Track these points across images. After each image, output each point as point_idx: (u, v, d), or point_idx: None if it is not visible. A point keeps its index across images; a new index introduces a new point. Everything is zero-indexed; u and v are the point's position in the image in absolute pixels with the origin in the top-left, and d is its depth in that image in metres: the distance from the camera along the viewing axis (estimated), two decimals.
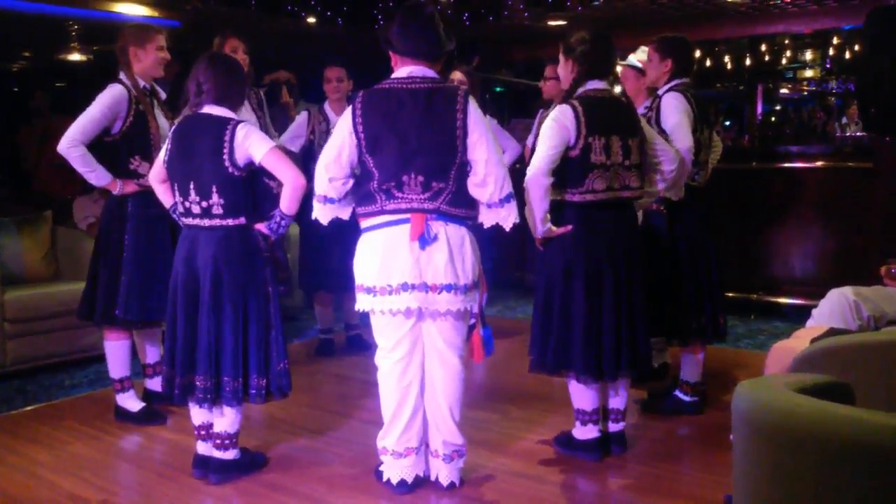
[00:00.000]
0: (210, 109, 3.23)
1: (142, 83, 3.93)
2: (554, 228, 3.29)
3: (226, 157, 3.16)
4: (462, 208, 3.03)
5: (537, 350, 3.39)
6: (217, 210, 3.18)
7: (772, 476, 1.59)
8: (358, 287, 3.08)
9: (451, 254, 2.98)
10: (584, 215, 3.30)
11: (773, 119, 12.25)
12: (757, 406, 1.62)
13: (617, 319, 3.31)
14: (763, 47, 10.14)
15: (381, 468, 3.22)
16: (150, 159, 3.85)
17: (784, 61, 10.65)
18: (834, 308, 2.74)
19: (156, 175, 3.41)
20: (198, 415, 3.33)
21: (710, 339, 3.96)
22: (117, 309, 3.86)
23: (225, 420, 3.29)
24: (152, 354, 4.28)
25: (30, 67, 9.49)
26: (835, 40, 9.79)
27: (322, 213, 3.11)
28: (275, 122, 5.05)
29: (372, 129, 2.96)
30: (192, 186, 3.18)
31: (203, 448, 3.38)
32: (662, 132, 3.66)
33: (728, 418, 1.76)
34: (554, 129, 3.23)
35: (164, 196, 3.43)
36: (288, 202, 3.22)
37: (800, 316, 5.21)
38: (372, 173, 2.99)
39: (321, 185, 3.06)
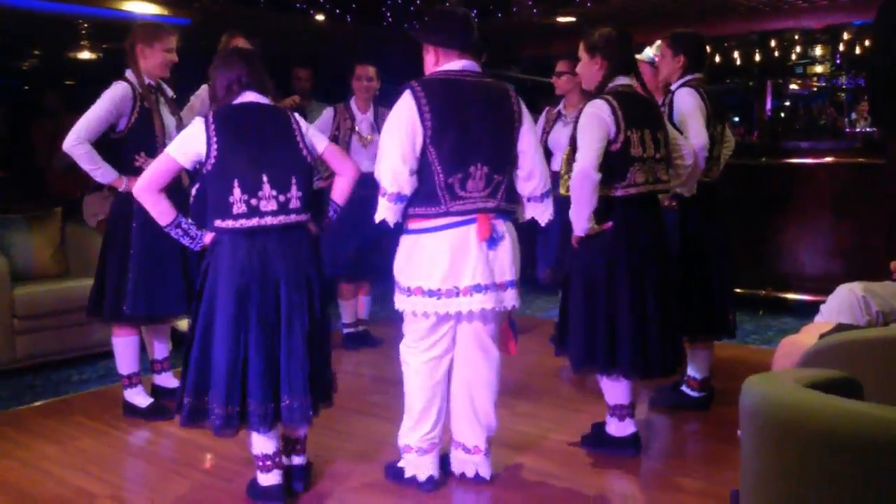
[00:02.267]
0: (256, 98, 2.98)
1: (147, 80, 3.93)
2: (596, 226, 3.25)
3: (302, 144, 2.98)
4: (513, 203, 3.06)
5: (581, 349, 3.33)
6: (295, 204, 2.92)
7: (779, 471, 1.58)
8: (414, 290, 2.95)
9: (513, 251, 3.01)
10: (626, 210, 3.29)
11: (782, 115, 12.20)
12: (765, 401, 1.61)
13: (661, 315, 3.30)
14: (773, 43, 10.07)
15: (400, 465, 3.19)
16: (154, 156, 3.86)
17: (794, 57, 10.59)
18: (842, 304, 2.72)
19: (153, 182, 2.92)
20: (266, 442, 2.99)
21: (718, 335, 3.97)
22: (125, 305, 3.87)
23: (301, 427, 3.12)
24: (160, 350, 4.31)
25: (40, 65, 9.53)
26: (845, 35, 9.72)
27: (392, 213, 2.90)
28: None
29: (438, 119, 2.86)
30: (265, 179, 2.86)
31: (270, 478, 3.02)
32: (676, 128, 3.65)
33: (735, 413, 1.75)
34: (594, 124, 3.19)
35: (161, 206, 2.94)
36: (346, 194, 3.13)
37: (808, 312, 5.17)
38: (433, 169, 2.88)
39: (397, 181, 2.86)
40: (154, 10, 6.54)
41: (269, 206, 2.86)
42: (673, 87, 3.85)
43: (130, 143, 3.89)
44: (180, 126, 4.09)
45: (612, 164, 3.21)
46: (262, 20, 7.08)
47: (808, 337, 2.45)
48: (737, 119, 12.09)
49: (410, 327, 3.07)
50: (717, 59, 9.97)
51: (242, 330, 2.84)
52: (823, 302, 2.85)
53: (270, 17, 7.13)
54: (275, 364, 2.88)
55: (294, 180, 2.91)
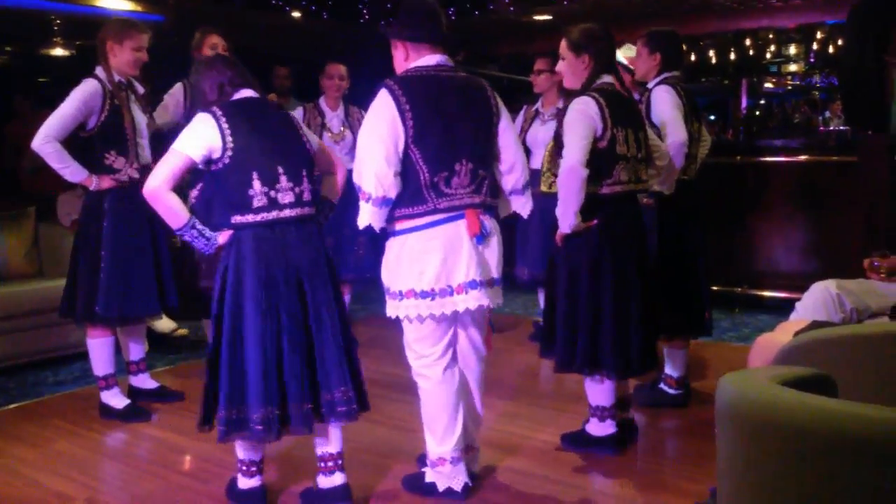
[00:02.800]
0: (251, 94, 2.92)
1: (117, 78, 3.90)
2: (582, 223, 3.23)
3: (305, 138, 2.93)
4: (495, 199, 3.02)
5: (562, 349, 3.33)
6: (307, 196, 2.86)
7: (755, 468, 1.60)
8: (406, 293, 2.85)
9: (499, 247, 2.98)
10: (611, 208, 3.28)
11: (757, 113, 12.30)
12: (740, 399, 1.62)
13: (642, 314, 3.31)
14: (747, 42, 10.16)
15: (429, 479, 3.07)
16: (125, 154, 3.85)
17: (768, 56, 10.68)
18: (817, 301, 2.76)
19: (166, 182, 2.75)
20: (254, 448, 2.93)
21: (695, 333, 4.01)
22: (97, 306, 3.84)
23: (334, 438, 2.96)
24: (136, 351, 4.27)
25: (12, 62, 9.41)
26: (818, 35, 9.82)
27: (377, 217, 2.81)
28: None
29: (420, 118, 2.78)
30: (280, 171, 2.78)
31: (252, 482, 2.97)
32: (653, 126, 3.67)
33: (712, 411, 1.76)
34: (581, 121, 3.17)
35: (174, 208, 2.79)
36: (338, 192, 3.09)
37: (783, 309, 5.23)
38: (417, 168, 2.80)
39: (382, 185, 2.75)
40: (127, 6, 6.49)
41: (286, 198, 2.79)
42: (650, 85, 3.86)
43: (100, 142, 3.85)
44: (152, 124, 4.06)
45: (599, 161, 3.20)
46: (238, 17, 7.04)
47: (783, 334, 2.48)
48: (712, 117, 12.18)
49: (413, 336, 2.95)
50: (693, 57, 10.05)
51: (274, 325, 2.74)
52: (798, 299, 2.89)
53: (246, 15, 7.09)
54: (310, 361, 2.80)
55: (304, 172, 2.86)
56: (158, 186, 2.75)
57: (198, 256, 4.43)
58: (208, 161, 2.78)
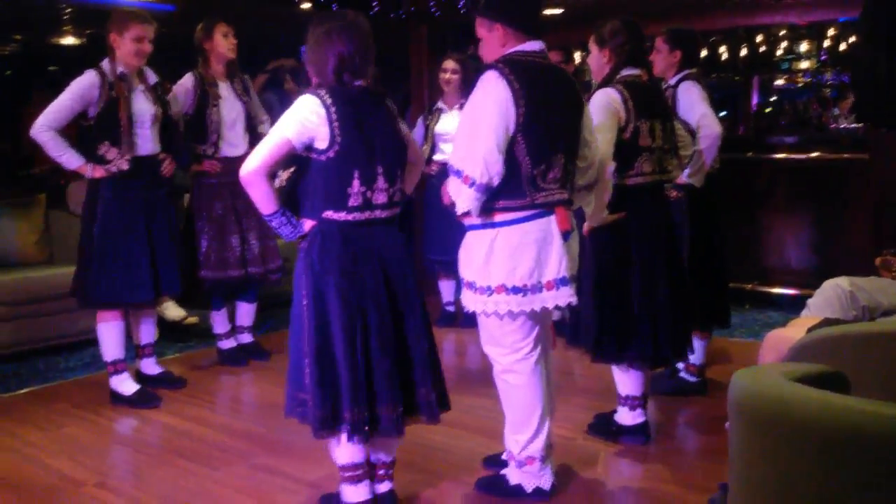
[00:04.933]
0: (362, 83, 2.71)
1: (120, 69, 3.92)
2: (609, 215, 3.22)
3: (402, 134, 2.78)
4: (572, 194, 2.92)
5: (593, 340, 3.33)
6: (398, 196, 2.74)
7: (766, 464, 1.60)
8: (496, 288, 2.74)
9: (579, 244, 2.93)
10: (635, 200, 3.29)
11: (768, 110, 12.25)
12: (752, 394, 1.63)
13: (671, 303, 3.32)
14: (759, 38, 10.12)
15: (514, 482, 2.95)
16: (118, 145, 3.88)
17: (780, 52, 10.64)
18: (829, 298, 2.75)
19: (263, 166, 2.62)
20: (355, 449, 2.72)
21: (720, 324, 4.14)
22: (94, 290, 3.91)
23: (391, 445, 2.84)
24: (144, 336, 4.30)
25: (22, 51, 9.42)
26: (830, 31, 9.78)
27: (478, 204, 2.69)
28: (278, 109, 5.02)
29: (530, 105, 2.66)
30: (379, 170, 2.65)
31: (359, 492, 2.77)
32: (679, 121, 3.74)
33: (723, 406, 1.77)
34: (605, 113, 3.17)
35: (267, 193, 2.65)
36: (414, 185, 2.99)
37: (794, 306, 5.23)
38: (519, 159, 2.69)
39: (489, 171, 2.63)
40: None
41: (380, 198, 2.67)
42: (671, 82, 3.93)
43: (96, 132, 3.90)
44: (160, 115, 4.06)
45: (621, 153, 3.21)
46: (247, 7, 7.03)
47: (794, 331, 2.48)
48: (723, 114, 12.14)
49: (505, 331, 2.83)
50: (704, 53, 10.00)
51: (362, 324, 2.62)
52: (809, 296, 2.88)
53: (256, 5, 7.07)
54: (400, 362, 2.69)
55: (399, 172, 2.74)
56: (253, 171, 2.61)
57: (206, 247, 4.45)
58: (308, 148, 2.63)
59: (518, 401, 2.89)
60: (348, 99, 2.63)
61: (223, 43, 4.44)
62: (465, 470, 3.21)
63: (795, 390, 1.57)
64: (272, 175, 2.69)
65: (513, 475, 2.97)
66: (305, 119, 2.59)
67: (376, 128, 2.67)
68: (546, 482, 2.94)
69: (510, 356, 2.86)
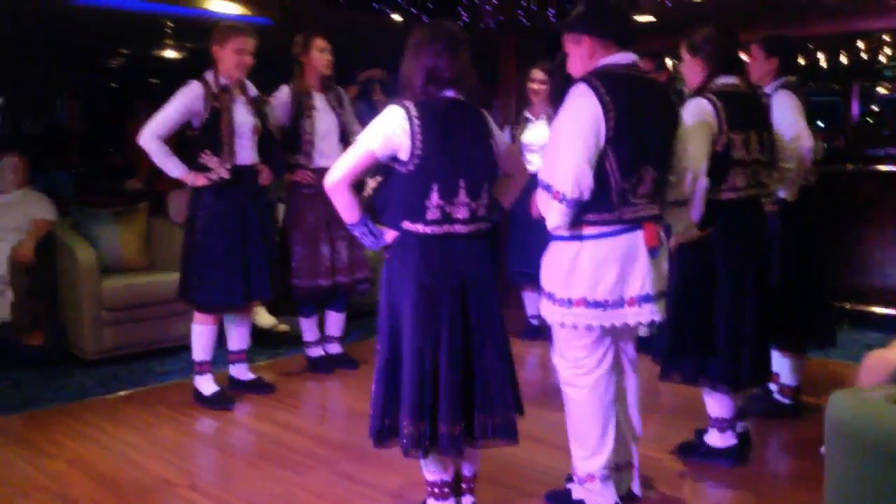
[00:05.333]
0: (452, 94, 2.68)
1: (223, 81, 4.05)
2: (698, 231, 3.15)
3: (494, 148, 2.72)
4: (663, 209, 2.86)
5: (668, 356, 3.28)
6: (482, 212, 2.68)
7: (866, 489, 1.54)
8: (576, 301, 2.70)
9: (668, 260, 2.87)
10: (727, 215, 3.21)
11: (869, 120, 11.79)
12: (853, 417, 1.57)
13: (756, 325, 3.23)
14: (860, 44, 9.75)
15: (577, 497, 2.92)
16: (219, 154, 4.01)
17: (883, 59, 10.21)
18: None
19: (348, 176, 2.66)
20: (442, 465, 2.75)
21: (820, 344, 3.96)
22: (193, 293, 4.09)
23: (473, 460, 2.82)
24: (236, 342, 4.45)
25: (127, 64, 9.85)
26: None
27: (568, 219, 2.65)
28: (368, 119, 5.10)
29: (620, 118, 2.62)
30: (461, 185, 2.61)
31: None
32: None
33: (817, 429, 1.70)
34: (697, 124, 3.10)
35: (350, 203, 2.69)
36: (515, 199, 2.96)
37: (895, 326, 5.01)
38: (608, 172, 2.65)
39: (580, 185, 2.60)
40: (237, 9, 6.69)
41: (461, 213, 2.63)
42: (767, 90, 3.79)
43: (199, 141, 4.05)
44: (260, 126, 4.18)
45: (713, 166, 3.12)
46: (341, 19, 7.17)
47: None
48: (821, 124, 11.75)
49: (570, 344, 2.80)
50: (801, 61, 9.70)
51: (433, 338, 2.59)
52: None
53: (348, 17, 7.21)
54: (467, 379, 2.63)
55: (485, 187, 2.68)
56: (338, 181, 2.65)
57: (299, 256, 4.56)
58: (392, 158, 2.63)
59: (577, 415, 2.85)
60: (435, 111, 2.61)
61: (319, 58, 4.56)
62: (544, 486, 3.17)
63: None
64: (359, 184, 2.71)
65: (576, 490, 2.95)
66: (389, 131, 2.60)
67: (462, 141, 2.63)
68: (607, 501, 2.86)
69: (570, 369, 2.83)
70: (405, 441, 2.59)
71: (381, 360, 2.66)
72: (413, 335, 2.59)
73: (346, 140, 4.68)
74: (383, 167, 2.70)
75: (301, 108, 4.54)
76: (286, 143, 4.58)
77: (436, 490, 2.76)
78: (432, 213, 2.60)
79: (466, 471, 2.82)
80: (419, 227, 2.62)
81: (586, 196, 2.62)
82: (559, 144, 2.67)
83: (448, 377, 2.59)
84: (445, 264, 2.62)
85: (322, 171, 4.49)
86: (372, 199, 2.75)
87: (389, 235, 2.70)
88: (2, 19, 6.77)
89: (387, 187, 2.70)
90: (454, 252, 2.64)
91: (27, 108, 7.90)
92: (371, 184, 2.77)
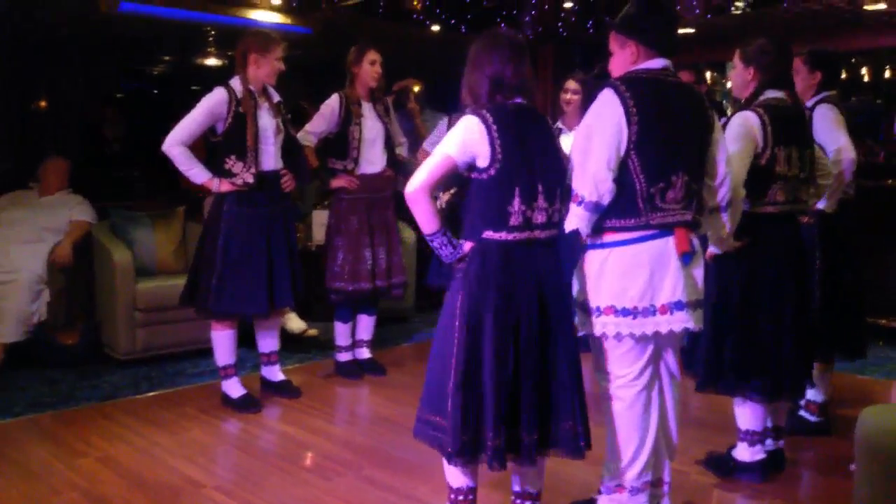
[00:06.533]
0: (521, 101, 2.67)
1: (251, 87, 4.09)
2: (735, 242, 3.13)
3: (561, 153, 2.72)
4: (700, 216, 2.84)
5: (706, 367, 3.25)
6: (556, 218, 2.66)
7: None
8: (605, 310, 2.69)
9: (703, 267, 2.83)
10: (765, 228, 3.20)
11: None
12: (883, 433, 1.53)
13: (796, 336, 3.20)
14: None
15: None
16: (243, 159, 4.03)
17: None
18: None
19: (427, 183, 2.60)
20: (464, 474, 2.69)
21: (852, 356, 3.92)
22: (209, 301, 4.07)
23: (539, 475, 2.77)
24: (267, 345, 4.48)
25: (169, 71, 9.99)
26: None
27: (586, 222, 2.66)
28: (404, 128, 5.15)
29: (645, 122, 2.61)
30: (540, 189, 2.59)
31: None
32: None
33: (846, 446, 1.67)
34: (743, 137, 3.10)
35: (430, 212, 2.63)
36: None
37: None
38: (634, 177, 2.64)
39: (598, 190, 2.61)
40: (278, 18, 6.75)
41: (540, 217, 2.60)
42: (808, 104, 3.77)
43: (224, 146, 4.08)
44: (285, 130, 4.22)
45: (755, 179, 3.11)
46: (380, 30, 7.21)
47: None
48: (863, 139, 11.54)
49: (608, 355, 2.77)
50: (844, 75, 9.57)
51: (512, 345, 2.55)
52: None
53: (388, 27, 7.25)
54: (542, 387, 2.60)
55: (558, 192, 2.65)
56: (418, 190, 2.60)
57: (341, 260, 4.60)
58: (470, 167, 2.61)
59: (616, 427, 2.80)
60: (508, 117, 2.60)
61: (369, 70, 4.65)
62: (569, 497, 3.14)
63: None
64: (434, 196, 2.69)
65: (602, 501, 2.90)
66: (468, 137, 2.57)
67: (536, 146, 2.61)
68: None
69: (612, 381, 2.79)
70: (490, 454, 2.52)
71: (457, 374, 2.54)
72: (494, 346, 2.53)
73: (390, 148, 4.80)
74: (458, 179, 2.68)
75: (350, 115, 4.62)
76: (333, 149, 4.66)
77: (460, 498, 2.71)
78: (515, 219, 2.56)
79: (534, 486, 2.76)
80: (502, 235, 2.57)
81: (606, 200, 2.62)
82: (581, 147, 2.67)
83: (529, 385, 2.55)
84: (526, 272, 2.58)
85: (367, 178, 4.69)
86: (447, 211, 2.74)
87: (466, 247, 2.65)
88: (46, 25, 6.90)
89: (466, 198, 2.66)
90: (533, 258, 2.61)
91: (70, 114, 8.04)
92: (444, 197, 2.76)
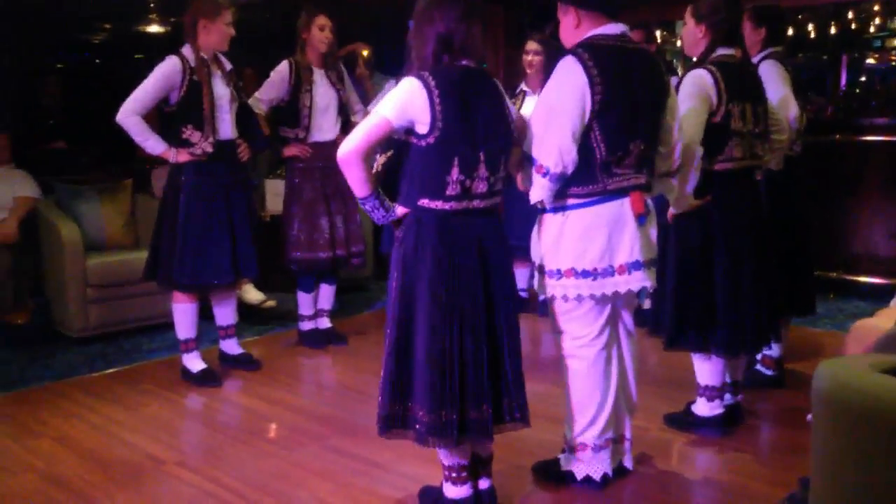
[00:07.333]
0: (468, 63, 2.55)
1: (203, 54, 4.00)
2: (694, 200, 3.16)
3: (510, 118, 2.63)
4: (652, 178, 2.87)
5: (673, 326, 3.29)
6: (498, 186, 2.61)
7: (853, 459, 1.54)
8: (565, 272, 2.71)
9: (656, 228, 2.86)
10: (723, 186, 3.22)
11: (857, 91, 11.77)
12: (839, 386, 1.57)
13: (757, 291, 3.25)
14: (849, 14, 9.72)
15: (567, 468, 2.94)
16: (201, 128, 3.97)
17: (872, 29, 10.19)
18: None
19: (361, 146, 2.51)
20: (460, 449, 2.65)
21: (801, 312, 4.02)
22: (174, 273, 4.01)
23: (488, 443, 2.72)
24: (224, 317, 4.44)
25: (110, 39, 9.72)
26: None
27: (551, 193, 2.68)
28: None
29: (608, 91, 2.59)
30: (481, 158, 2.51)
31: (461, 491, 2.70)
32: None
33: (804, 398, 1.71)
34: (697, 95, 3.11)
35: (362, 176, 2.55)
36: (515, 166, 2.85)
37: (882, 296, 5.03)
38: (594, 146, 2.64)
39: (564, 160, 2.59)
40: None
41: (479, 187, 2.53)
42: (754, 60, 3.79)
43: (179, 116, 3.99)
44: (238, 98, 4.14)
45: (712, 137, 3.13)
46: None
47: (882, 321, 2.38)
48: (809, 94, 11.72)
49: (567, 317, 2.81)
50: (790, 31, 9.67)
51: (455, 320, 2.49)
52: None
53: None
54: (493, 361, 2.56)
55: (502, 160, 2.60)
56: (351, 152, 2.50)
57: (297, 229, 4.55)
58: (408, 131, 2.53)
59: (576, 386, 2.85)
60: (452, 81, 2.48)
61: (318, 35, 4.56)
62: (531, 457, 3.17)
63: (884, 382, 1.51)
64: (370, 159, 2.60)
65: (565, 460, 2.96)
66: (407, 102, 2.47)
67: (481, 112, 2.51)
68: (597, 472, 2.90)
69: (571, 342, 2.84)
70: (420, 428, 2.50)
71: (389, 344, 2.56)
72: (428, 315, 2.49)
73: (345, 116, 4.73)
74: (395, 142, 2.62)
75: (300, 82, 4.54)
76: (284, 117, 4.59)
77: (453, 474, 2.70)
78: (452, 189, 2.50)
79: (485, 452, 2.75)
80: (438, 204, 2.51)
81: (570, 171, 2.63)
82: (544, 118, 2.65)
83: (475, 357, 2.51)
84: (465, 241, 2.53)
85: (319, 146, 4.61)
86: (382, 174, 2.66)
87: (399, 210, 2.60)
88: None
89: (403, 163, 2.60)
90: (472, 228, 2.55)
91: (7, 85, 7.80)
92: (380, 159, 2.68)
